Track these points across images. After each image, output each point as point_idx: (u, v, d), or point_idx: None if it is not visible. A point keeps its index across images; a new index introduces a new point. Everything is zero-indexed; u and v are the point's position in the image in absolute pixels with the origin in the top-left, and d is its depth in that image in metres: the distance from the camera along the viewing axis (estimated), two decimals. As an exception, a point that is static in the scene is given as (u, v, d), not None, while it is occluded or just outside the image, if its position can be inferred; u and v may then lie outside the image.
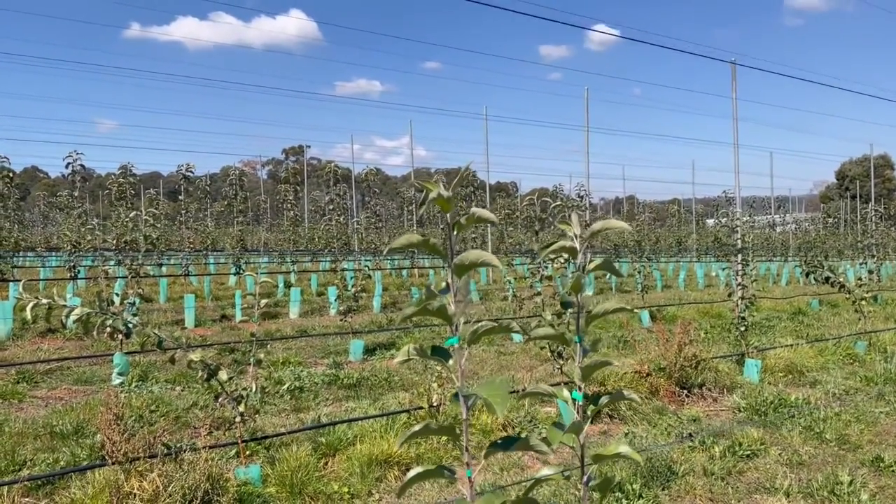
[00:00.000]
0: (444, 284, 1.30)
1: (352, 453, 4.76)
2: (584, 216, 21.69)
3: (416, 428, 1.32)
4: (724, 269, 13.56)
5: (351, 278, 11.28)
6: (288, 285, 15.28)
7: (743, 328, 7.43)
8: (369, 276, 16.19)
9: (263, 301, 4.60)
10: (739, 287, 7.61)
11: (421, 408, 5.21)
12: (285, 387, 6.63)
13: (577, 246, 1.44)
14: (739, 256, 8.02)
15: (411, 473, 1.35)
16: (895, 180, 72.58)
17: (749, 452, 5.04)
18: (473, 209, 1.29)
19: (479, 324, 1.33)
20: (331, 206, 13.86)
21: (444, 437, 5.02)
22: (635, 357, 7.09)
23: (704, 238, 28.13)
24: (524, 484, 4.36)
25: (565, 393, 1.49)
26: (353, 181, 23.58)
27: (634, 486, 4.32)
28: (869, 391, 6.85)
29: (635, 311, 2.04)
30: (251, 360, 4.44)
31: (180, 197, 17.24)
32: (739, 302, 7.49)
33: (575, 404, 1.47)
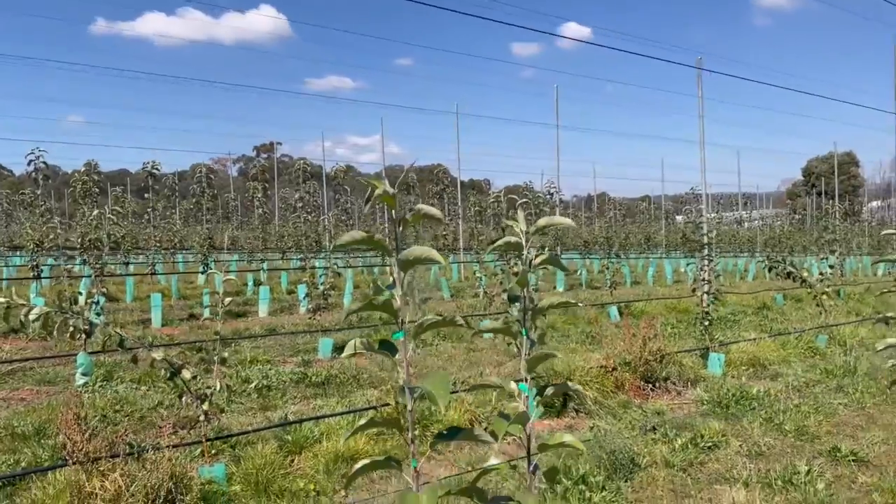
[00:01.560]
0: (390, 280, 1.33)
1: (318, 451, 4.76)
2: (554, 212, 21.86)
3: (362, 422, 1.35)
4: (688, 265, 13.76)
5: (321, 276, 11.25)
6: (257, 283, 15.18)
7: (707, 322, 7.56)
8: (339, 274, 16.14)
9: (228, 299, 4.58)
10: (704, 282, 7.74)
11: (388, 404, 5.22)
12: (252, 385, 6.60)
13: (523, 241, 1.47)
14: (705, 251, 8.15)
15: (358, 465, 1.38)
16: (860, 177, 74.14)
17: (710, 444, 5.14)
18: (419, 206, 1.31)
19: (425, 318, 1.35)
20: (300, 204, 13.79)
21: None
22: (602, 352, 7.18)
23: (673, 234, 28.50)
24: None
25: (512, 385, 1.52)
26: (325, 178, 23.48)
27: (597, 478, 4.38)
28: (828, 383, 7.01)
29: (580, 304, 2.08)
30: (215, 358, 4.42)
31: (146, 195, 17.01)
32: (704, 297, 7.61)
33: (522, 395, 1.50)
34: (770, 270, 9.16)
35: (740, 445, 5.18)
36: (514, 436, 1.50)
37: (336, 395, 6.45)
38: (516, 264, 7.61)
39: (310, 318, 10.10)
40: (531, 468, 1.53)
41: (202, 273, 16.60)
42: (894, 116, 9.05)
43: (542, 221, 1.52)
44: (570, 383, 1.61)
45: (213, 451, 4.70)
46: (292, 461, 4.70)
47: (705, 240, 8.32)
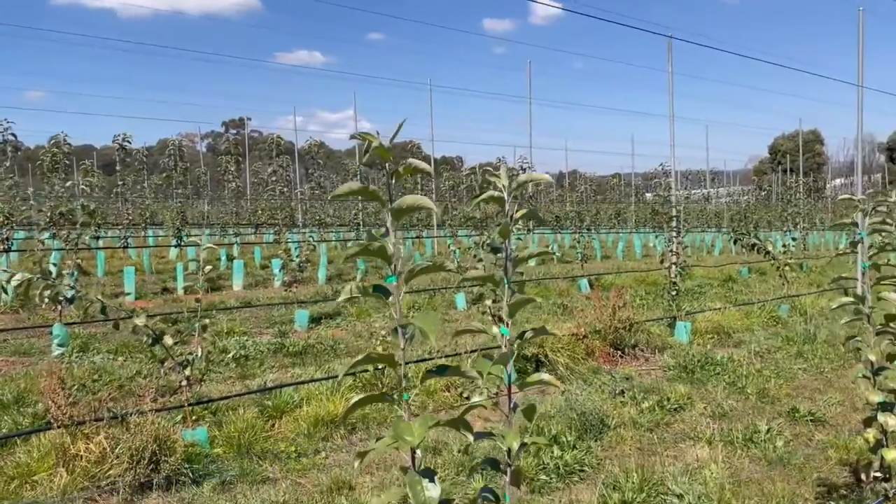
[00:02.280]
0: (383, 229, 1.43)
1: (298, 415, 4.88)
2: (528, 187, 22.04)
3: (359, 357, 1.46)
4: (656, 237, 14.05)
5: (296, 250, 11.28)
6: (231, 258, 15.14)
7: (674, 293, 7.79)
8: (314, 248, 16.13)
9: (209, 267, 4.65)
10: (672, 254, 7.95)
11: (367, 371, 5.35)
12: (230, 355, 6.68)
13: (505, 196, 1.58)
14: (673, 223, 8.37)
15: (354, 398, 1.49)
16: (824, 155, 75.46)
17: (676, 406, 5.36)
18: (409, 160, 1.42)
19: (416, 263, 1.46)
20: (273, 178, 13.74)
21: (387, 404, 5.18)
22: (573, 321, 7.37)
23: (643, 210, 28.89)
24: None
25: (494, 329, 1.64)
26: (297, 154, 23.33)
27: (569, 438, 4.57)
28: (789, 350, 7.30)
29: (555, 255, 2.20)
30: (195, 325, 4.50)
31: (117, 168, 16.77)
32: (672, 268, 7.83)
33: (503, 339, 1.62)
34: (735, 242, 9.43)
35: (704, 407, 5.40)
36: (496, 375, 1.62)
37: (314, 364, 6.55)
38: (489, 236, 7.74)
39: (285, 291, 10.16)
40: (511, 405, 1.66)
41: (175, 247, 16.50)
42: (858, 90, 9.29)
43: (522, 177, 1.64)
44: (547, 327, 1.73)
45: (194, 417, 4.79)
46: (273, 425, 4.81)
47: (674, 212, 8.54)
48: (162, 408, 4.64)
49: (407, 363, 1.48)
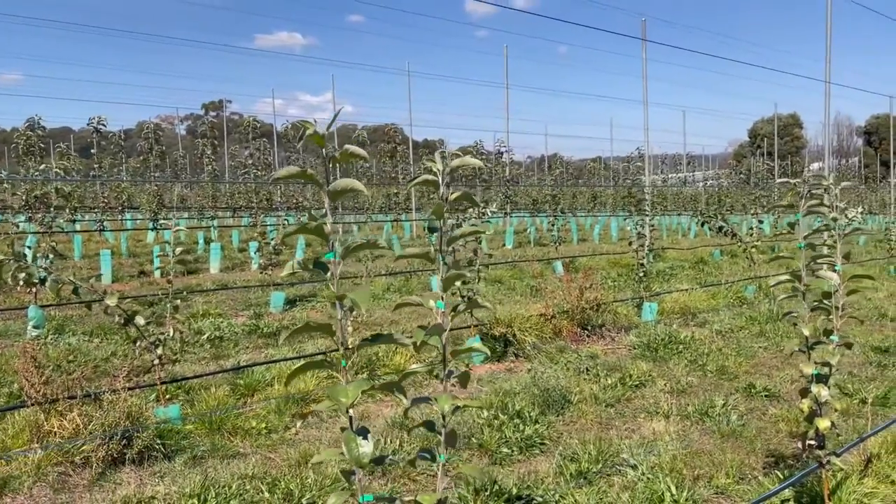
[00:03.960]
0: (323, 210, 1.55)
1: (269, 393, 5.01)
2: (505, 171, 22.20)
3: (298, 326, 1.59)
4: (624, 220, 14.25)
5: (272, 233, 11.34)
6: (208, 241, 15.17)
7: (642, 274, 7.98)
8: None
9: (179, 248, 4.74)
10: (640, 236, 8.13)
11: (336, 349, 5.47)
12: (205, 336, 6.78)
13: (440, 179, 1.71)
14: (643, 206, 8.55)
15: (297, 365, 1.62)
16: (803, 138, 76.29)
17: (637, 383, 5.55)
18: (346, 146, 1.53)
19: (352, 241, 1.59)
20: (250, 161, 13.74)
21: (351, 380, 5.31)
22: (543, 302, 7.54)
23: (622, 194, 29.14)
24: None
25: (431, 302, 1.77)
26: (275, 137, 23.28)
27: (532, 413, 4.74)
28: (752, 329, 7.52)
29: (486, 232, 2.33)
30: (167, 305, 4.59)
31: (92, 151, 16.66)
32: (640, 249, 8.02)
33: (439, 311, 1.75)
34: (703, 225, 9.64)
35: (665, 384, 5.60)
36: (433, 346, 1.76)
37: (287, 344, 6.67)
38: (467, 218, 7.86)
39: (261, 274, 10.24)
40: (446, 373, 1.79)
41: (151, 230, 16.48)
42: (825, 85, 9.52)
43: (455, 162, 1.76)
44: (479, 300, 1.87)
45: (168, 396, 4.90)
46: (245, 403, 4.94)
47: (646, 196, 8.73)
48: (135, 386, 4.74)
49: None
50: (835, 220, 3.25)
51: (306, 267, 1.57)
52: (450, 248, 1.71)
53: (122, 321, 4.30)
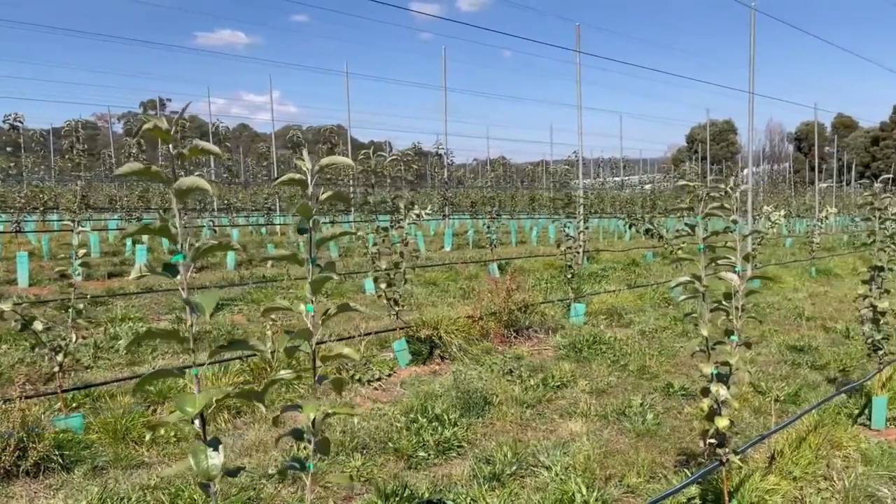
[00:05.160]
0: (173, 211, 1.48)
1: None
2: (443, 173, 22.22)
3: (140, 334, 1.51)
4: (553, 222, 14.43)
5: (206, 234, 11.07)
6: (136, 242, 14.69)
7: (570, 275, 8.05)
8: (228, 235, 15.79)
9: (83, 251, 4.54)
10: (569, 238, 8.22)
11: (255, 355, 5.35)
12: (121, 342, 6.54)
13: (308, 179, 1.65)
14: (573, 208, 8.65)
15: (147, 373, 1.54)
16: (737, 144, 78.87)
17: (560, 384, 5.58)
18: (196, 141, 1.46)
19: (203, 242, 1.52)
20: (179, 162, 13.34)
21: (286, 383, 5.20)
22: (473, 304, 7.54)
23: (558, 196, 29.53)
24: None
25: (301, 307, 1.71)
26: (211, 137, 22.76)
27: (452, 415, 4.71)
28: (675, 329, 7.67)
29: (356, 233, 2.30)
30: (70, 309, 4.40)
31: (9, 149, 15.95)
32: (568, 251, 8.10)
33: (308, 315, 1.69)
34: (630, 227, 9.81)
35: (587, 384, 5.65)
36: (303, 351, 1.69)
37: (207, 350, 6.47)
38: (400, 220, 7.80)
39: (191, 277, 9.96)
40: (316, 379, 1.73)
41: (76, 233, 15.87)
42: (749, 96, 9.82)
43: (325, 160, 1.70)
44: (351, 304, 1.81)
45: (74, 405, 4.70)
46: (154, 411, 4.76)
47: (580, 199, 8.82)
48: (36, 394, 4.53)
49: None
50: (735, 222, 3.32)
51: (153, 270, 1.49)
52: (318, 250, 1.65)
53: (20, 327, 4.09)
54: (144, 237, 16.07)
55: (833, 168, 42.77)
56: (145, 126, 1.37)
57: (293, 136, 22.35)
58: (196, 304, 1.42)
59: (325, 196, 1.67)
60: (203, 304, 1.41)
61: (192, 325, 1.50)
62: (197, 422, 1.48)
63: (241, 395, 1.59)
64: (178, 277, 1.50)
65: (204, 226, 12.83)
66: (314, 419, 1.67)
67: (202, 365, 1.52)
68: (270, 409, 4.67)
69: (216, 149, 1.49)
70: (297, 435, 1.75)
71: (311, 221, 1.63)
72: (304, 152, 1.65)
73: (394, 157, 8.79)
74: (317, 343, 1.68)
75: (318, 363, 1.69)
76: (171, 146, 1.39)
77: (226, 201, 15.32)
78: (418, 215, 7.15)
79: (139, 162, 1.43)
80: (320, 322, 1.70)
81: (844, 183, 45.41)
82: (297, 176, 1.64)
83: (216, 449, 1.45)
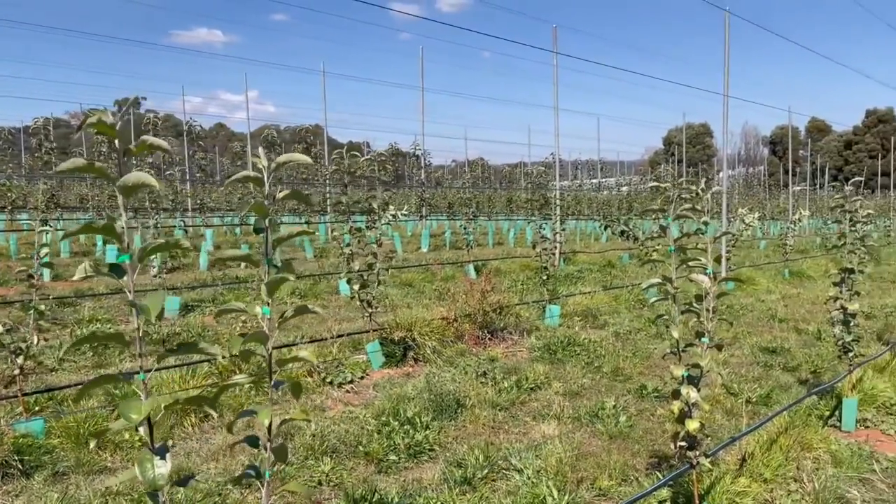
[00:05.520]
0: (119, 211, 1.41)
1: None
2: (421, 174, 22.17)
3: (83, 336, 1.44)
4: (528, 224, 14.44)
5: (179, 234, 10.91)
6: (105, 242, 14.46)
7: (545, 277, 8.04)
8: (202, 235, 15.55)
9: (45, 251, 4.43)
10: (544, 239, 8.20)
11: (225, 357, 5.25)
12: (89, 344, 6.39)
13: (264, 177, 1.59)
14: (549, 210, 8.63)
15: (90, 379, 1.47)
16: (713, 147, 79.83)
17: (533, 386, 5.55)
18: (144, 136, 1.40)
19: (149, 242, 1.45)
20: (150, 160, 13.18)
21: (249, 387, 5.11)
22: (448, 305, 7.49)
23: (537, 199, 29.56)
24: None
25: (257, 309, 1.65)
26: (185, 135, 22.48)
27: (424, 418, 4.65)
28: (649, 331, 7.68)
29: (315, 233, 2.25)
30: (31, 310, 4.28)
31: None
32: (543, 253, 8.08)
33: (264, 318, 1.64)
34: (606, 229, 9.83)
35: (561, 386, 5.62)
36: (259, 355, 1.64)
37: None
38: (375, 220, 7.73)
39: (159, 278, 9.80)
40: (273, 383, 1.68)
41: (45, 233, 15.59)
42: (724, 98, 9.89)
43: (282, 158, 1.65)
44: (310, 306, 1.75)
45: (36, 409, 4.58)
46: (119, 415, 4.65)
47: (554, 200, 8.81)
48: (-5, 399, 4.40)
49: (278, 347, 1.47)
50: (706, 223, 3.30)
51: (98, 270, 1.42)
52: (276, 250, 1.59)
53: (-22, 329, 3.98)
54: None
55: (807, 171, 43.36)
56: (90, 120, 1.31)
57: (268, 135, 22.14)
58: (141, 307, 1.36)
59: (281, 195, 1.61)
60: (149, 306, 1.35)
61: (139, 328, 1.44)
62: (142, 429, 1.42)
63: (192, 402, 1.53)
64: (125, 278, 1.43)
65: (176, 226, 12.64)
66: (269, 425, 1.61)
67: (150, 371, 1.45)
68: (234, 413, 4.60)
69: (165, 144, 1.43)
70: (253, 442, 1.70)
71: (267, 220, 1.57)
72: (260, 150, 1.59)
73: (368, 157, 8.71)
74: (274, 347, 1.62)
75: (275, 367, 1.63)
76: (116, 141, 1.33)
77: (199, 201, 15.12)
78: (394, 216, 7.10)
79: (81, 159, 1.36)
80: (277, 325, 1.64)
81: (818, 186, 46.11)
82: (253, 174, 1.59)
83: (163, 457, 1.39)
